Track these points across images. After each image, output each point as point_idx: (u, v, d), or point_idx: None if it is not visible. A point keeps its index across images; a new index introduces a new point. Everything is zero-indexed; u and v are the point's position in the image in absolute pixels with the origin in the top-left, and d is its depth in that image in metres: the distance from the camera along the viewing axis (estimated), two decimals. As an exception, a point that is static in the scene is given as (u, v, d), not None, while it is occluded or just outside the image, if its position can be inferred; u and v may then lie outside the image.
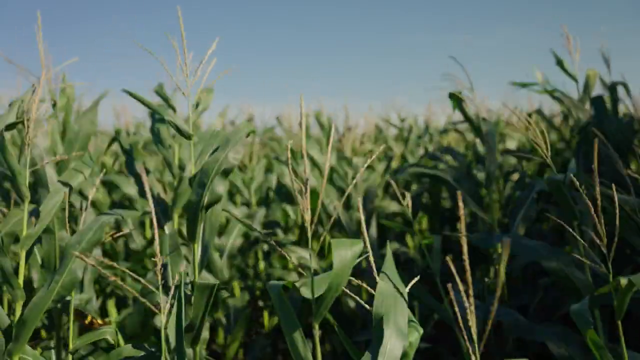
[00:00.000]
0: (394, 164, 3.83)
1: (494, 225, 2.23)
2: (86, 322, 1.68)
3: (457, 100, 2.32)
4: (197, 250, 1.13)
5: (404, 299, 0.83)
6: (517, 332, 1.59)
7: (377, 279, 0.84)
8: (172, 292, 0.82)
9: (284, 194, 3.29)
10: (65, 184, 1.14)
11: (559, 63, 2.28)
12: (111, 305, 2.54)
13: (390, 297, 0.82)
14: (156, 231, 0.72)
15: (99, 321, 1.69)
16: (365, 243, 0.84)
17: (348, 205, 2.96)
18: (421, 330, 0.84)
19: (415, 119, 4.56)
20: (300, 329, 0.84)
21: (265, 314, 2.84)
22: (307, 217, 0.78)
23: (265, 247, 3.01)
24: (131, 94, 1.20)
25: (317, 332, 0.83)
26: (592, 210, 0.93)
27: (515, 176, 2.87)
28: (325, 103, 3.94)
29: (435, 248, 1.77)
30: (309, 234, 0.79)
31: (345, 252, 0.83)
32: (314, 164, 3.05)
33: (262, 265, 2.98)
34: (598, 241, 0.88)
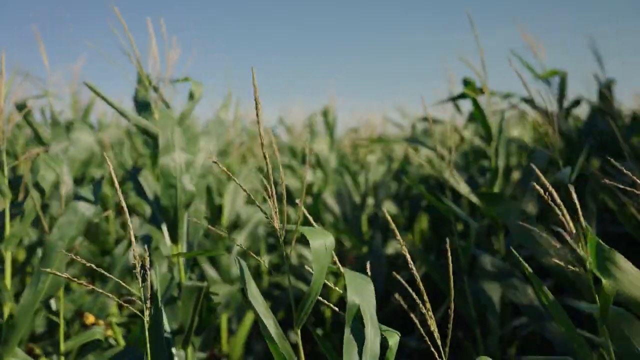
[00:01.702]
0: (395, 165, 3.81)
1: (497, 220, 2.20)
2: (87, 322, 1.68)
3: (470, 93, 2.28)
4: (181, 251, 1.12)
5: (372, 290, 0.82)
6: (530, 316, 1.56)
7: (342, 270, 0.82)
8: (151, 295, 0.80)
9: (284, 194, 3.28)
10: (37, 186, 1.12)
11: (529, 68, 2.26)
12: (113, 305, 2.54)
13: (362, 285, 0.81)
14: (131, 232, 0.71)
15: (101, 322, 1.69)
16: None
17: (355, 205, 2.95)
18: (399, 334, 0.82)
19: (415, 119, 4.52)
20: (268, 309, 0.80)
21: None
22: (277, 223, 0.76)
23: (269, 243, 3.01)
24: (93, 89, 1.17)
25: (299, 338, 0.80)
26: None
27: (516, 175, 2.85)
28: (336, 102, 3.89)
29: (471, 237, 1.74)
30: (281, 237, 0.77)
31: (320, 242, 0.79)
32: (319, 164, 3.04)
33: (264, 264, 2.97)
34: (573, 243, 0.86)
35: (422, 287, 0.78)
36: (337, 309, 0.85)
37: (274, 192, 0.75)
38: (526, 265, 0.92)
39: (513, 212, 1.61)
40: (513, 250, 0.97)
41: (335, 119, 3.79)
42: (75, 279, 0.69)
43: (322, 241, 0.79)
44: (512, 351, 2.02)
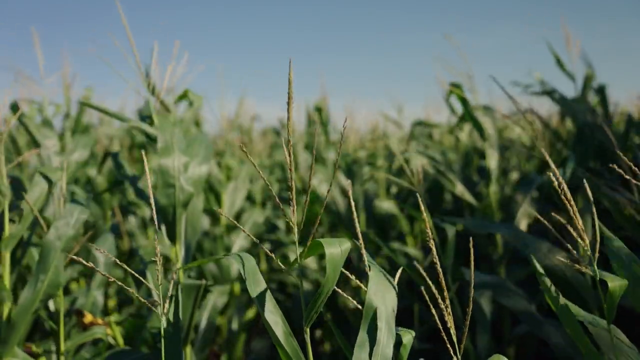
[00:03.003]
0: (396, 165, 3.81)
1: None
2: (86, 321, 1.68)
3: (459, 96, 2.29)
4: (179, 251, 1.13)
5: (395, 290, 0.82)
6: (527, 322, 1.57)
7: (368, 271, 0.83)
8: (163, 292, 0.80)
9: (286, 195, 3.29)
10: (46, 177, 1.12)
11: (558, 62, 2.27)
12: (112, 304, 2.55)
13: (383, 286, 0.81)
14: (156, 237, 0.71)
15: (99, 321, 1.70)
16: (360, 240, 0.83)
17: (351, 205, 2.94)
18: (413, 333, 0.83)
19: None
20: (277, 307, 0.81)
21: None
22: (294, 219, 0.77)
23: (268, 247, 3.01)
24: (90, 106, 1.18)
25: (308, 336, 0.80)
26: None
27: (514, 175, 2.85)
28: (330, 100, 3.88)
29: (450, 242, 1.74)
30: (296, 236, 0.78)
31: (335, 250, 0.80)
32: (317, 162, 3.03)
33: (263, 265, 2.98)
34: (580, 241, 0.86)
35: (444, 285, 0.79)
36: (358, 305, 0.85)
37: (294, 192, 0.76)
38: (547, 281, 0.91)
39: (504, 227, 1.62)
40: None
41: (328, 116, 3.78)
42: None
43: (337, 248, 0.80)
44: (510, 351, 2.03)
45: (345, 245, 0.81)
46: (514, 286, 1.66)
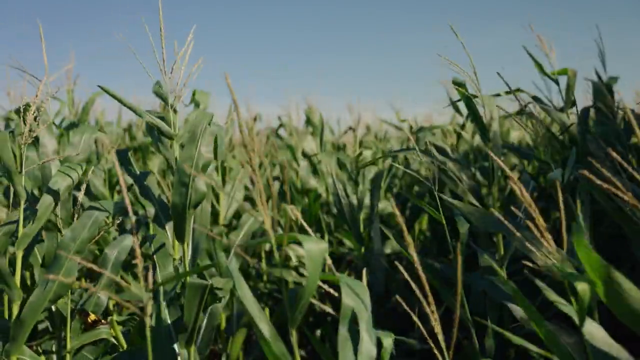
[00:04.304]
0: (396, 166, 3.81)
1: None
2: (89, 320, 1.68)
3: (463, 94, 2.29)
4: (187, 251, 1.13)
5: (367, 294, 0.82)
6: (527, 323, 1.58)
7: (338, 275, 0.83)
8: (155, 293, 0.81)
9: (285, 194, 3.29)
10: (53, 192, 1.14)
11: (538, 66, 2.27)
12: (112, 303, 2.55)
13: (356, 289, 0.81)
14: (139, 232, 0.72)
15: (103, 321, 1.70)
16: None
17: (352, 206, 2.94)
18: (393, 336, 0.83)
19: (415, 119, 4.51)
20: (257, 304, 0.80)
21: (267, 313, 2.84)
22: (268, 222, 0.76)
23: (267, 246, 3.01)
24: (107, 92, 1.18)
25: (295, 339, 0.80)
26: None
27: (515, 176, 2.86)
28: (321, 101, 3.89)
29: (462, 238, 1.73)
30: (274, 244, 0.77)
31: (314, 247, 0.78)
32: (310, 162, 3.04)
33: (263, 264, 2.98)
34: (548, 246, 0.87)
35: (427, 289, 0.79)
36: (327, 307, 0.86)
37: (263, 197, 0.75)
38: (504, 275, 0.93)
39: (497, 223, 1.63)
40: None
41: (321, 117, 3.78)
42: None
43: (315, 245, 0.79)
44: (510, 352, 2.03)
45: (322, 245, 0.80)
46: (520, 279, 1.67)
